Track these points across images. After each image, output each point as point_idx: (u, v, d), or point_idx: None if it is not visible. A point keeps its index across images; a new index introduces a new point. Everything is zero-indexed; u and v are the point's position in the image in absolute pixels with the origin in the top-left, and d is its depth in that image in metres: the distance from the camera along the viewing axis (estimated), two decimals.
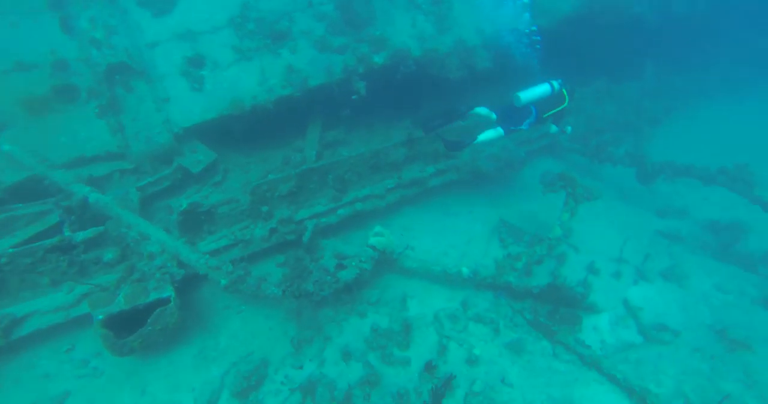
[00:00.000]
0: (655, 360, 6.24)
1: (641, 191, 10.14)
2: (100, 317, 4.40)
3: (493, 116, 6.50)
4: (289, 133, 8.72)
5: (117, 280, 4.98)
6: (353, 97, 8.23)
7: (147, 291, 4.72)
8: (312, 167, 6.85)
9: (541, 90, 6.54)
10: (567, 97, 6.84)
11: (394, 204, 7.67)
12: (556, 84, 6.67)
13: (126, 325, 4.71)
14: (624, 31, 10.95)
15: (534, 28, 8.40)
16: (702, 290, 7.87)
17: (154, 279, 5.00)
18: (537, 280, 7.23)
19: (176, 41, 7.57)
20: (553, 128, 7.09)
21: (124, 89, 6.77)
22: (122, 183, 6.52)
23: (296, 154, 8.07)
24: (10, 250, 4.80)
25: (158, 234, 5.56)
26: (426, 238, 7.71)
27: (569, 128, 7.35)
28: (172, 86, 7.31)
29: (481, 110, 6.39)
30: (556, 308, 6.50)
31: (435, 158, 8.07)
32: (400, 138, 7.81)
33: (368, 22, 8.78)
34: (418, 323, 6.24)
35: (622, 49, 11.65)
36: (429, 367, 5.34)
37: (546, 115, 6.73)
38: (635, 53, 12.36)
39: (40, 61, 6.34)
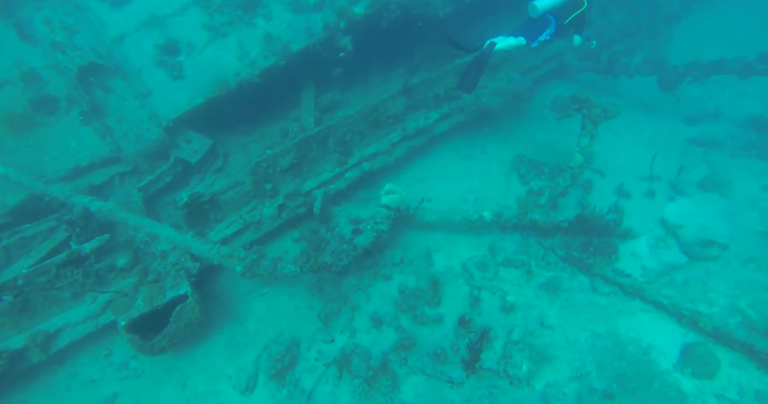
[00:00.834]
0: (703, 278, 5.87)
1: (666, 99, 9.34)
2: (123, 323, 4.40)
3: (523, 41, 6.01)
4: (285, 103, 8.35)
5: (134, 284, 4.96)
6: (341, 54, 7.73)
7: (163, 291, 4.68)
8: (310, 134, 6.53)
9: None
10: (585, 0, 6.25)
11: (402, 157, 7.32)
12: None
13: (156, 324, 4.72)
14: None
15: None
16: (749, 195, 7.28)
17: (170, 277, 4.95)
18: (565, 213, 6.88)
19: (144, 30, 7.19)
20: (577, 39, 6.47)
21: (102, 90, 6.54)
22: (124, 186, 6.43)
23: (294, 124, 7.75)
24: (24, 271, 4.82)
25: (166, 231, 5.48)
26: (442, 187, 7.38)
27: (594, 42, 6.78)
28: (150, 79, 7.02)
29: (507, 41, 5.87)
30: (589, 240, 6.15)
31: (437, 103, 7.58)
32: (398, 88, 7.33)
33: None
34: (446, 277, 6.04)
35: None
36: (463, 322, 5.18)
37: (566, 21, 6.17)
38: None
39: (7, 75, 6.14)
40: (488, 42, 5.79)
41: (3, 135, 6.08)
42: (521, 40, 6.01)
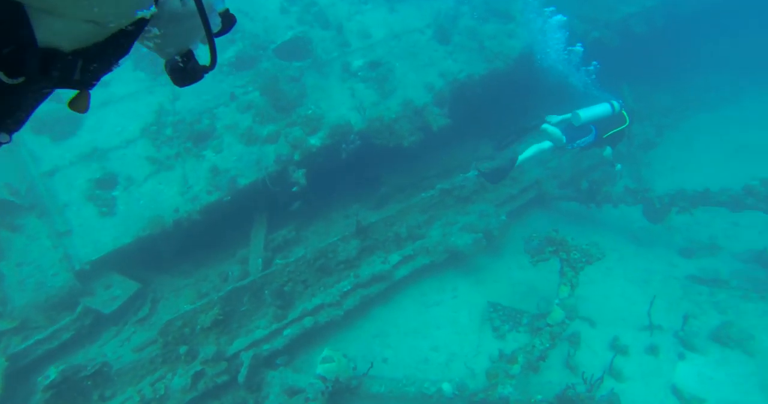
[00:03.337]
0: None
1: (656, 229, 8.58)
2: None
3: (563, 139, 6.23)
4: (233, 241, 7.58)
5: None
6: (293, 188, 7.16)
7: None
8: (241, 285, 5.58)
9: (600, 109, 6.35)
10: (627, 117, 6.60)
11: (355, 309, 6.26)
12: (616, 104, 6.44)
13: None
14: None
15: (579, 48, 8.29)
16: None
17: None
18: (549, 376, 5.66)
19: (81, 163, 6.73)
20: (608, 151, 6.80)
21: (9, 230, 5.77)
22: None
23: (236, 266, 6.84)
24: None
25: None
26: (402, 343, 6.21)
27: (619, 165, 7.19)
28: (75, 216, 6.33)
29: (552, 129, 6.17)
30: None
31: (398, 243, 6.75)
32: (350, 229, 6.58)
33: (298, 102, 7.95)
34: None
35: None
36: None
37: (606, 135, 6.46)
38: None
39: None
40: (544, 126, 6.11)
41: None
42: (562, 137, 6.19)
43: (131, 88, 7.43)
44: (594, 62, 8.23)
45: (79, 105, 1.23)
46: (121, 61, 1.20)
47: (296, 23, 9.07)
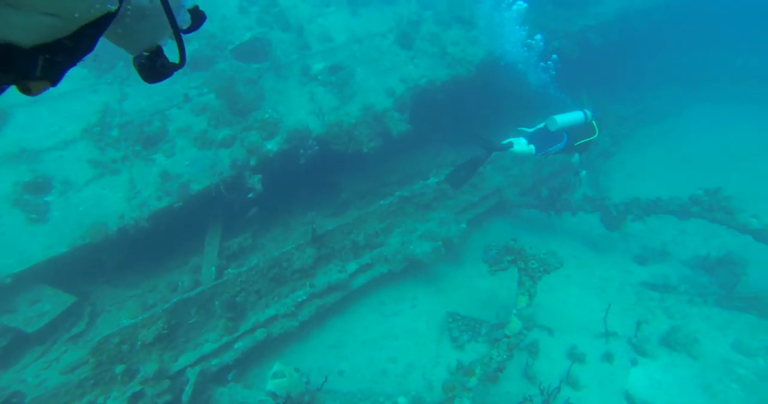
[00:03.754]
0: None
1: (612, 237, 8.76)
2: None
3: (533, 150, 6.27)
4: (186, 249, 7.20)
5: None
6: (249, 194, 6.87)
7: None
8: (189, 297, 5.25)
9: (575, 117, 6.39)
10: (597, 128, 6.69)
11: (311, 319, 6.02)
12: (588, 113, 6.51)
13: None
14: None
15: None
16: (720, 355, 6.29)
17: None
18: (507, 386, 5.60)
19: (7, 164, 6.20)
20: (576, 158, 6.89)
21: None
22: None
23: (186, 276, 6.47)
24: None
25: None
26: (359, 355, 6.01)
27: (584, 172, 7.29)
28: None
29: (520, 147, 6.17)
30: None
31: (355, 252, 6.56)
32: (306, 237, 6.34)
33: (256, 105, 7.67)
34: None
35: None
36: None
37: (577, 143, 6.53)
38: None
39: None
40: (507, 140, 6.07)
41: None
42: (532, 148, 6.22)
43: (71, 86, 6.95)
44: (554, 56, 8.40)
45: (34, 88, 1.07)
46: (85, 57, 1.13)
47: (255, 24, 8.80)
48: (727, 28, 17.03)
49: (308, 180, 8.48)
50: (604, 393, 5.72)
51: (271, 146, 7.17)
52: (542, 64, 8.62)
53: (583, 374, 5.89)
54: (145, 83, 1.43)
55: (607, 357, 6.16)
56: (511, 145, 6.09)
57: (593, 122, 6.66)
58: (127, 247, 6.43)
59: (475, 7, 10.15)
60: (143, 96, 7.13)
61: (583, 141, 6.55)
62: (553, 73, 8.24)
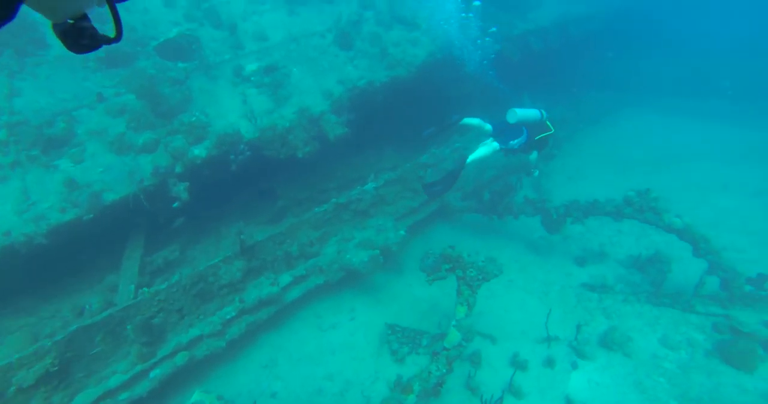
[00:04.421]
0: None
1: (554, 239, 8.86)
2: None
3: (488, 126, 6.36)
4: (102, 265, 6.52)
5: None
6: (174, 204, 6.32)
7: None
8: (92, 323, 4.66)
9: (532, 113, 6.52)
10: (551, 126, 6.82)
11: (241, 337, 5.58)
12: (544, 112, 6.68)
13: None
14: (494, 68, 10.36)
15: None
16: (650, 351, 6.43)
17: None
18: (448, 400, 5.41)
19: None
20: (534, 155, 6.93)
21: None
22: None
23: (98, 297, 5.83)
24: None
25: None
26: (294, 373, 5.64)
27: (537, 172, 7.46)
28: None
29: (473, 120, 6.23)
30: None
31: (288, 262, 6.18)
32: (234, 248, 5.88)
33: (182, 108, 7.12)
34: None
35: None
36: None
37: (536, 137, 6.60)
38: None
39: None
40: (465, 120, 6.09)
41: None
42: (496, 145, 6.25)
43: None
44: (493, 28, 8.64)
45: None
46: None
47: (183, 19, 8.21)
48: (652, 39, 18.24)
49: (242, 187, 8.00)
50: (546, 399, 5.66)
51: (199, 151, 6.65)
52: (485, 61, 8.77)
53: (526, 381, 5.81)
54: (45, 78, 1.23)
55: (549, 362, 6.12)
56: (461, 118, 6.13)
57: (547, 121, 6.81)
58: (16, 269, 5.67)
59: (419, 8, 10.04)
60: (43, 93, 6.39)
61: (542, 135, 6.65)
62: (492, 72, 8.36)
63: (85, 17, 1.28)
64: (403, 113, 9.03)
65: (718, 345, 6.31)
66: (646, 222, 7.66)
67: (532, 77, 11.88)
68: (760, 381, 5.76)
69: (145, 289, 5.14)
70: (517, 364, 5.98)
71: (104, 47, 1.36)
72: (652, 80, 16.62)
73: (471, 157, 6.10)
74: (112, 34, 1.34)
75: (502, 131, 6.45)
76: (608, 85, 15.89)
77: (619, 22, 14.98)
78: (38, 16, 1.31)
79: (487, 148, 6.22)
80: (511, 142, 6.44)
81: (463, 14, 9.11)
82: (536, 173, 7.52)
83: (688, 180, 11.02)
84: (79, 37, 1.26)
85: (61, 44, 1.28)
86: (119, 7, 1.29)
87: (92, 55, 6.97)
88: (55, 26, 1.26)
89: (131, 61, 7.32)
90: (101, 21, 1.57)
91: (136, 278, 6.01)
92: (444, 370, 4.81)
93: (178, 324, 5.22)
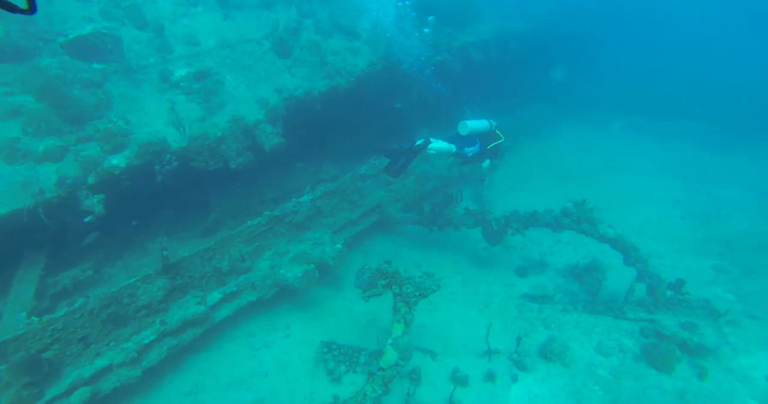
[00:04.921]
0: None
1: (495, 250, 8.91)
2: None
3: (453, 148, 6.51)
4: None
5: None
6: (86, 219, 5.71)
7: None
8: None
9: (481, 124, 6.83)
10: (501, 134, 7.06)
11: (162, 363, 5.07)
12: (493, 122, 6.96)
13: None
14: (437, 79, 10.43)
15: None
16: (586, 359, 6.51)
17: None
18: None
19: None
20: (487, 163, 7.19)
21: None
22: None
23: None
24: None
25: None
26: (223, 399, 5.18)
27: (486, 179, 7.74)
28: None
29: (440, 144, 6.31)
30: None
31: (218, 279, 5.74)
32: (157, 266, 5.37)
33: (98, 113, 6.53)
34: None
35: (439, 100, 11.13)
36: None
37: (489, 146, 6.90)
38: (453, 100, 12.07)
39: None
40: (422, 140, 6.09)
41: None
42: (452, 147, 6.44)
43: None
44: (430, 17, 8.93)
45: None
46: None
47: (100, 16, 7.60)
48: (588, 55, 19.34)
49: (171, 199, 7.45)
50: None
51: (118, 161, 6.08)
52: (427, 70, 8.92)
53: (466, 397, 5.69)
54: None
55: (490, 376, 6.03)
56: (429, 141, 6.20)
57: (497, 130, 7.09)
58: None
59: (359, 17, 9.94)
60: None
61: (494, 144, 6.98)
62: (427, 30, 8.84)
63: None
64: (343, 123, 8.83)
65: (645, 348, 6.52)
66: (583, 233, 7.86)
67: (475, 88, 12.09)
68: (677, 380, 5.97)
69: (34, 318, 4.52)
70: (458, 380, 5.85)
71: None
72: (586, 95, 17.57)
73: (434, 144, 6.26)
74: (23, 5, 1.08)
75: (458, 143, 6.71)
76: (547, 98, 16.59)
77: (552, 40, 15.70)
78: None
79: (446, 145, 6.46)
80: (467, 149, 6.76)
81: (400, 3, 9.33)
82: (486, 181, 7.85)
83: (616, 190, 11.57)
84: None
85: None
86: None
87: None
88: None
89: (29, 57, 6.63)
90: None
91: (31, 303, 5.30)
92: (380, 392, 4.57)
93: (80, 356, 4.64)
